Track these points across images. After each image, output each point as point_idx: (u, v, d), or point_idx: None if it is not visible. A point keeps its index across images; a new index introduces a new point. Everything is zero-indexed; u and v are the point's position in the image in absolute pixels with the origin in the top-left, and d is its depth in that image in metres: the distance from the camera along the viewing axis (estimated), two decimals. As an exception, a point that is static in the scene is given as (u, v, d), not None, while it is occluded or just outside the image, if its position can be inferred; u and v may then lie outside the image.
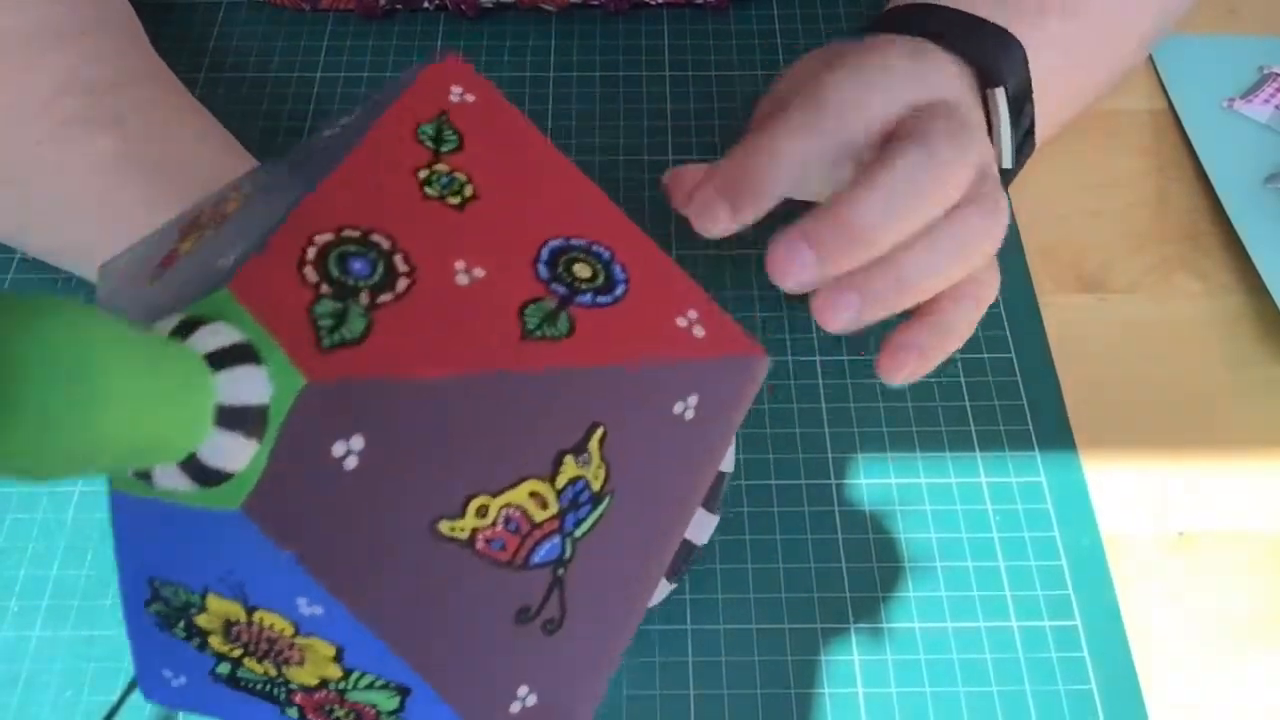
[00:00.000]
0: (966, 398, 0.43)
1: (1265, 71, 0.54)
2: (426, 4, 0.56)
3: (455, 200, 0.23)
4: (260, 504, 0.19)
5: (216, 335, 0.19)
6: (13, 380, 0.13)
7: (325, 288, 0.20)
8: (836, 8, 0.57)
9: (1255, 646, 0.38)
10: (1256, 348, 0.45)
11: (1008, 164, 0.42)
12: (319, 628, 0.21)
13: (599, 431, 0.23)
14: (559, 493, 0.22)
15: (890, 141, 0.35)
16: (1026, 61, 0.41)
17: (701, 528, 0.36)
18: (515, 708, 0.23)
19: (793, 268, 0.33)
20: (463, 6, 0.55)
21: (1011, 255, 0.48)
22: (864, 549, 0.40)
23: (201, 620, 0.22)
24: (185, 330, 0.19)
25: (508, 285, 0.22)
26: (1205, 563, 0.40)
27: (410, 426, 0.20)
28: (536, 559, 0.22)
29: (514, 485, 0.22)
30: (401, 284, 0.21)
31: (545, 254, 0.23)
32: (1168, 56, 0.54)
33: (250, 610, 0.21)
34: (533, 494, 0.22)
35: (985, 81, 0.40)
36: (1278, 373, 0.45)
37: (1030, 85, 0.41)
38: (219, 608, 0.21)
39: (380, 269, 0.21)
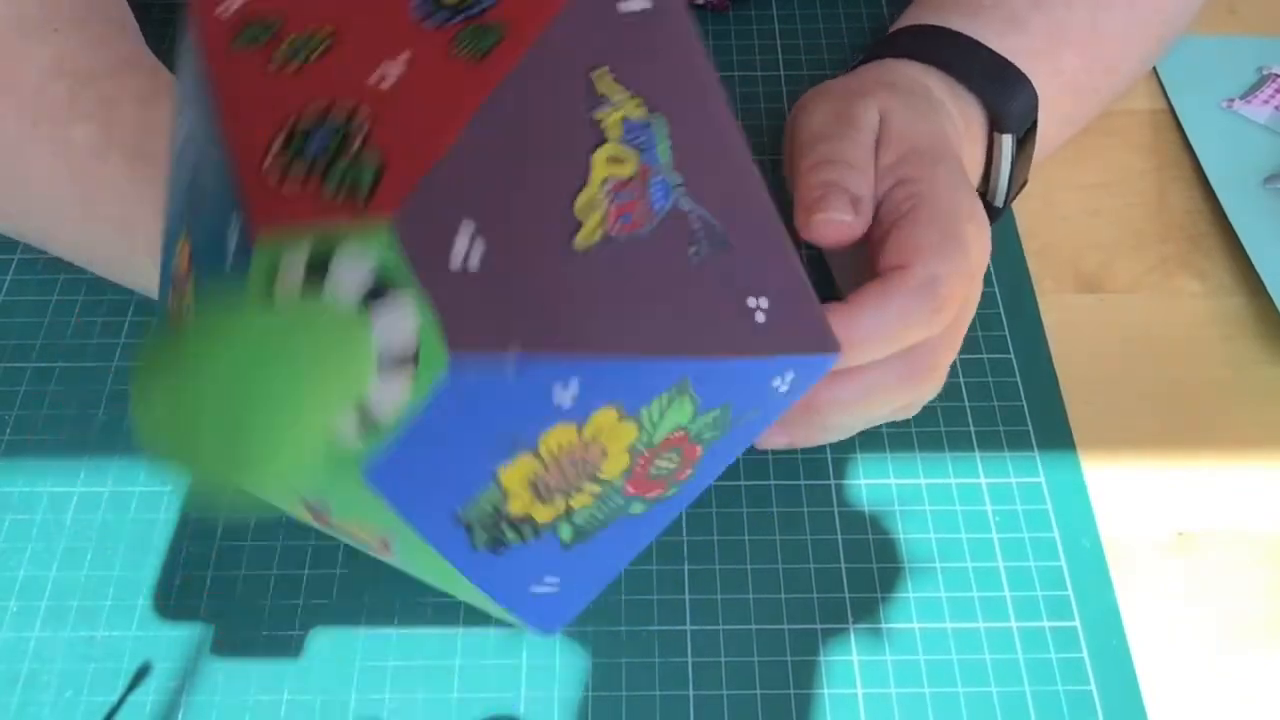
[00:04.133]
0: (966, 398, 0.43)
1: (1265, 72, 0.54)
2: None
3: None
4: (458, 341, 0.19)
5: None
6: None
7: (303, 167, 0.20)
8: (836, 8, 0.57)
9: (1255, 646, 0.38)
10: (1256, 348, 0.45)
11: (999, 204, 0.43)
12: (588, 404, 0.21)
13: (602, 72, 0.22)
14: (620, 142, 0.22)
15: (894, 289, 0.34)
16: (1037, 106, 0.40)
17: None
18: (760, 318, 0.24)
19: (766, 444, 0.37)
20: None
21: (1011, 255, 0.48)
22: (863, 549, 0.40)
23: (514, 506, 0.22)
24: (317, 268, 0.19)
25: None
26: (1205, 563, 0.40)
27: (482, 193, 0.20)
28: (658, 205, 0.23)
29: (588, 168, 0.22)
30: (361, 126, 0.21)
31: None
32: (1167, 57, 0.54)
33: (533, 451, 0.22)
34: (606, 160, 0.22)
35: (994, 124, 0.40)
36: (1278, 373, 0.45)
37: (1036, 127, 0.41)
38: (516, 474, 0.22)
39: (338, 137, 0.21)
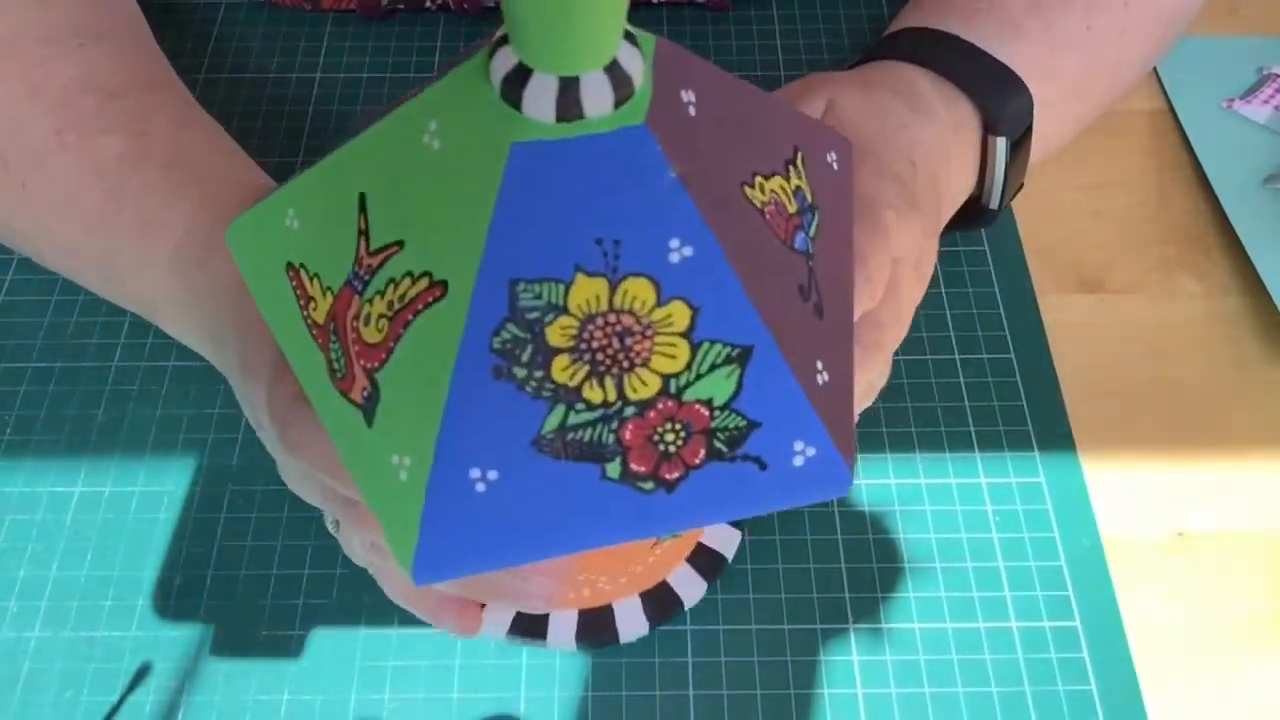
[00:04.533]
0: (966, 398, 0.43)
1: (1265, 72, 0.54)
2: (429, 4, 0.56)
3: None
4: (656, 121, 0.21)
5: None
6: None
7: None
8: (836, 8, 0.57)
9: (1255, 646, 0.38)
10: (1256, 348, 0.45)
11: (994, 206, 0.43)
12: (684, 281, 0.22)
13: (800, 154, 0.26)
14: (794, 193, 0.25)
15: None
16: (1032, 110, 0.41)
17: (728, 542, 0.38)
18: (820, 380, 0.24)
19: None
20: (465, 6, 0.55)
21: (1011, 255, 0.48)
22: (864, 549, 0.40)
23: (554, 334, 0.22)
24: None
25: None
26: (1205, 563, 0.40)
27: (712, 95, 0.23)
28: (796, 245, 0.25)
29: (770, 176, 0.25)
30: None
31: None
32: (1167, 57, 0.54)
33: (615, 285, 0.22)
34: (782, 188, 0.25)
35: (988, 127, 0.40)
36: (1277, 373, 0.45)
37: (1031, 130, 0.41)
38: (584, 292, 0.22)
39: None
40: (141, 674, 0.37)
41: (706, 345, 0.22)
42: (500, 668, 0.38)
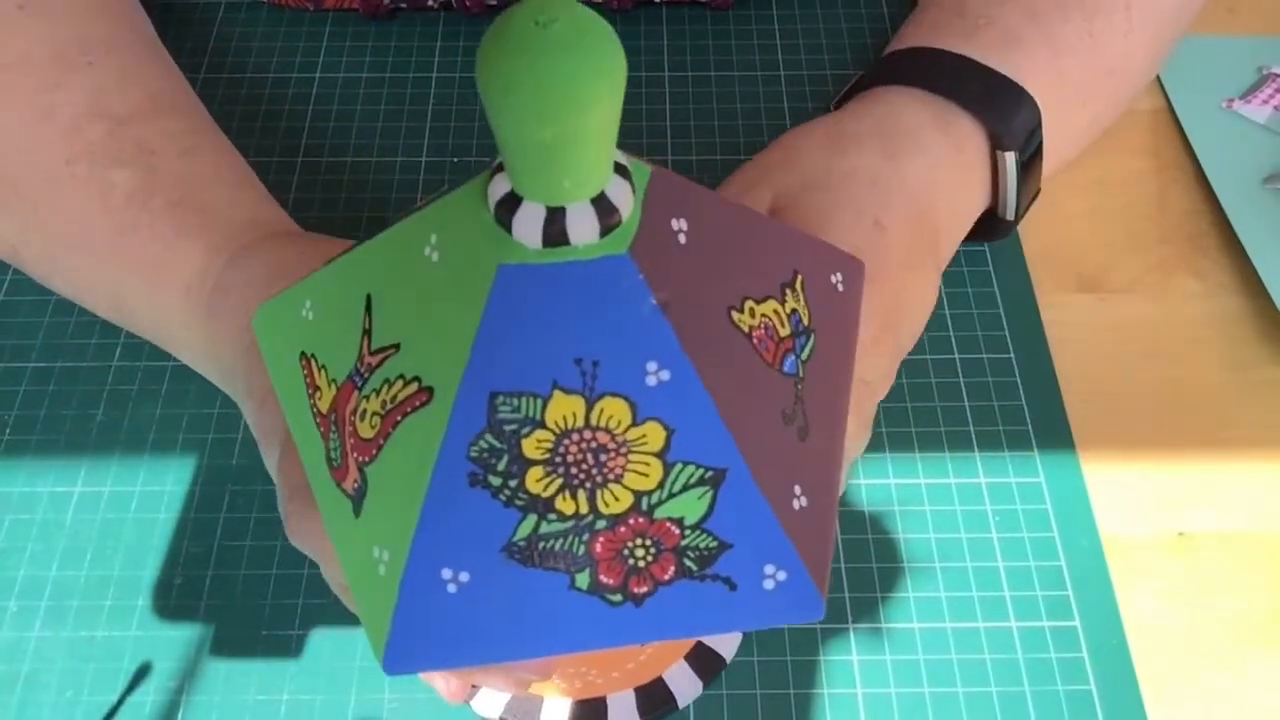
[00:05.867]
0: (965, 398, 0.43)
1: (1264, 72, 0.54)
2: (431, 2, 0.56)
3: None
4: (640, 250, 0.22)
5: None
6: None
7: None
8: (836, 8, 0.57)
9: (1255, 646, 0.38)
10: (1256, 348, 0.45)
11: (1010, 217, 0.43)
12: (660, 404, 0.23)
13: (799, 277, 0.27)
14: (789, 316, 0.26)
15: None
16: (1040, 120, 0.40)
17: (726, 642, 0.38)
18: (796, 504, 0.24)
19: None
20: (466, 4, 0.55)
21: (1011, 255, 0.48)
22: (863, 549, 0.40)
23: (529, 446, 0.23)
24: None
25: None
26: (1205, 563, 0.40)
27: (707, 222, 0.25)
28: (785, 368, 0.25)
29: (763, 300, 0.25)
30: None
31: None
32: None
33: (592, 403, 0.23)
34: (775, 312, 0.26)
35: (994, 142, 0.40)
36: (1277, 373, 0.45)
37: (1041, 140, 0.41)
38: (561, 409, 0.23)
39: None
40: (141, 674, 0.37)
41: (680, 466, 0.23)
42: (500, 668, 0.38)
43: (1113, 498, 0.41)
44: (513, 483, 0.23)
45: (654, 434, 0.23)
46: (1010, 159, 0.40)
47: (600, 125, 0.20)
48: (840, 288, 0.29)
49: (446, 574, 0.23)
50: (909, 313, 0.38)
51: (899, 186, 0.38)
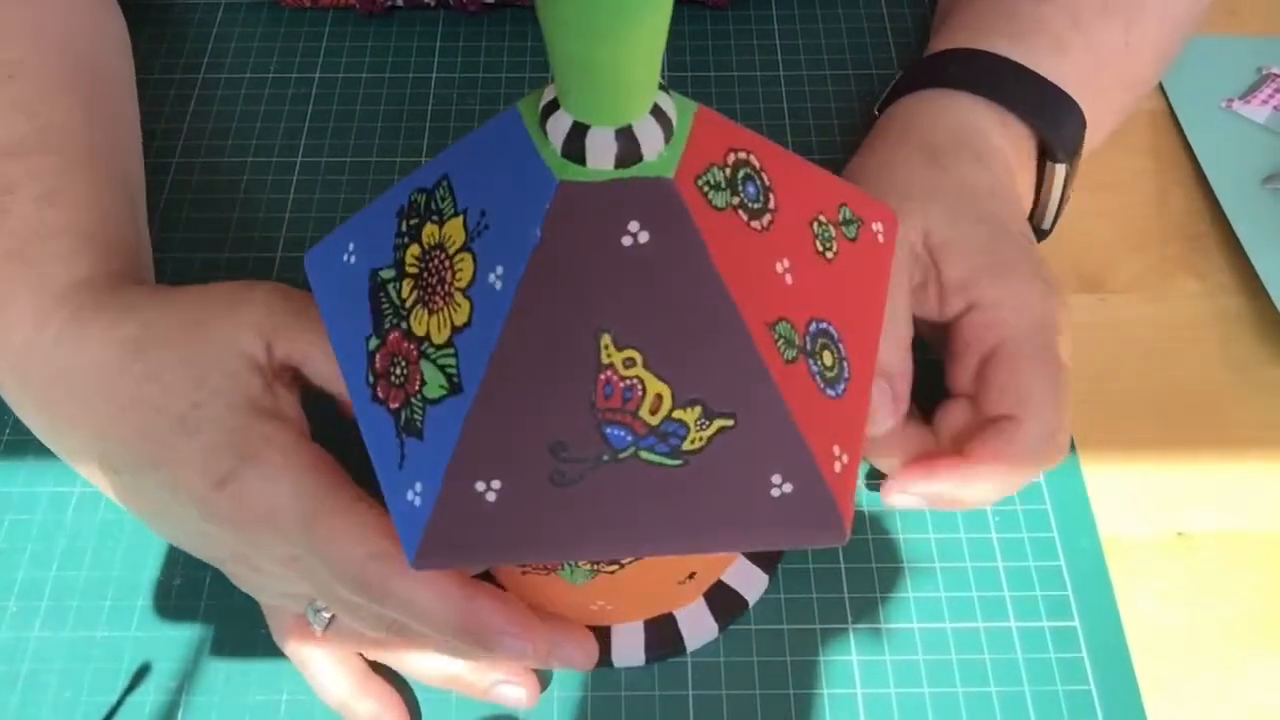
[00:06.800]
0: (966, 398, 0.43)
1: (1264, 72, 0.54)
2: (429, 0, 0.56)
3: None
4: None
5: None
6: None
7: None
8: (836, 8, 0.57)
9: (1255, 646, 0.38)
10: (1256, 348, 0.45)
11: (1046, 227, 0.43)
12: (482, 293, 0.24)
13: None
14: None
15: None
16: (1084, 129, 0.40)
17: (750, 583, 0.38)
18: (480, 488, 0.25)
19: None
20: (465, 2, 0.55)
21: (1011, 255, 0.48)
22: (863, 550, 0.40)
23: (428, 232, 0.25)
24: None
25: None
26: (1205, 563, 0.40)
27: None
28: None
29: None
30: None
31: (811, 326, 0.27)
32: (1167, 56, 0.55)
33: (468, 243, 0.24)
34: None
35: (1045, 151, 0.40)
36: (1277, 373, 0.45)
37: (1082, 150, 0.41)
38: (449, 230, 0.25)
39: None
40: (141, 674, 0.37)
41: (453, 352, 0.25)
42: (500, 668, 0.38)
43: (1113, 498, 0.41)
44: (402, 235, 0.26)
45: (460, 311, 0.24)
46: (1060, 170, 0.40)
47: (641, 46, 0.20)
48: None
49: (349, 249, 0.28)
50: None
51: (1006, 192, 0.38)
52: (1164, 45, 0.45)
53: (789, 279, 0.26)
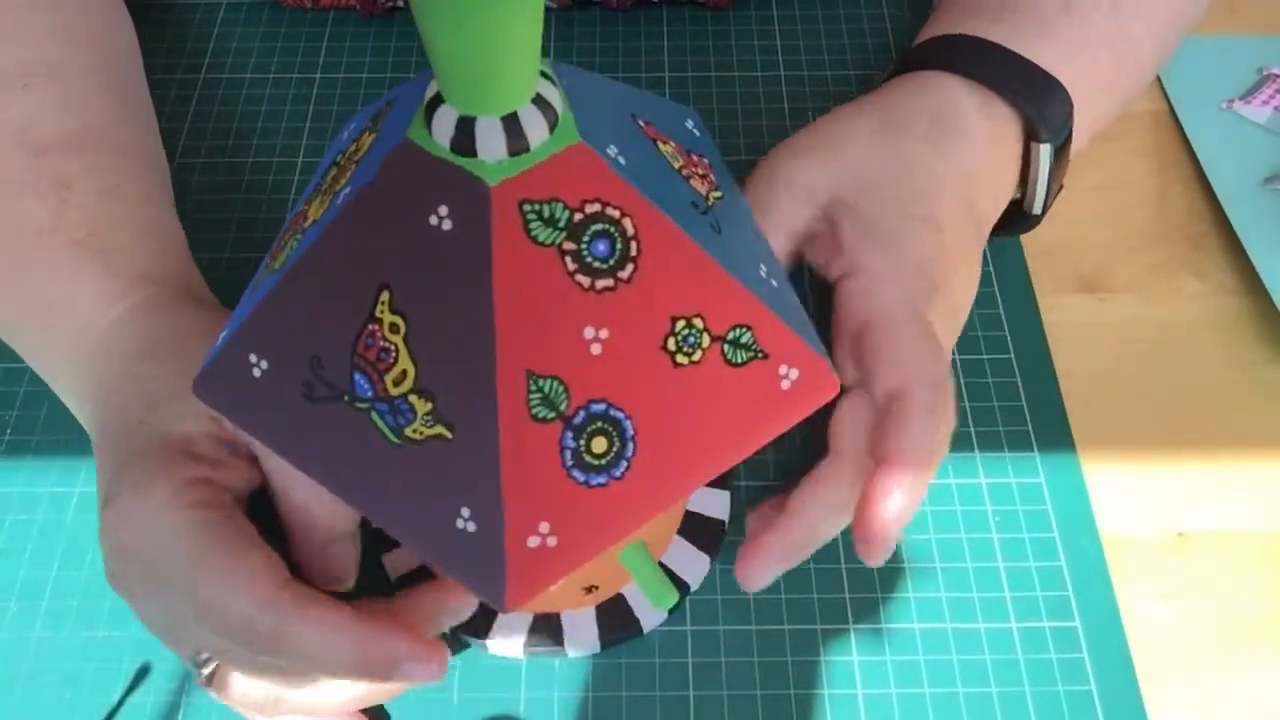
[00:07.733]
0: (965, 398, 0.43)
1: (1265, 72, 0.54)
2: None
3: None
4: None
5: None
6: None
7: None
8: (836, 8, 0.57)
9: (1255, 646, 0.38)
10: (1256, 348, 0.45)
11: (1037, 211, 0.43)
12: (330, 211, 0.26)
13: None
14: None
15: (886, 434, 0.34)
16: (1073, 111, 0.40)
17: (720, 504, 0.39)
18: (252, 359, 0.27)
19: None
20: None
21: (1011, 255, 0.48)
22: (864, 549, 0.40)
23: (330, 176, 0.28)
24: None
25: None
26: (1205, 563, 0.40)
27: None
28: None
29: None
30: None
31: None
32: (1167, 57, 0.54)
33: (345, 182, 0.26)
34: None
35: (1031, 133, 0.40)
36: (1277, 373, 0.45)
37: (1071, 133, 0.41)
38: (337, 173, 0.27)
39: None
40: (141, 674, 0.37)
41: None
42: (501, 668, 0.38)
43: (1113, 498, 0.41)
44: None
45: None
46: (1045, 150, 0.40)
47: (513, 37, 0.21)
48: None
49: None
50: (963, 310, 0.38)
51: (951, 177, 0.38)
52: (1161, 28, 0.45)
53: (596, 349, 0.25)
